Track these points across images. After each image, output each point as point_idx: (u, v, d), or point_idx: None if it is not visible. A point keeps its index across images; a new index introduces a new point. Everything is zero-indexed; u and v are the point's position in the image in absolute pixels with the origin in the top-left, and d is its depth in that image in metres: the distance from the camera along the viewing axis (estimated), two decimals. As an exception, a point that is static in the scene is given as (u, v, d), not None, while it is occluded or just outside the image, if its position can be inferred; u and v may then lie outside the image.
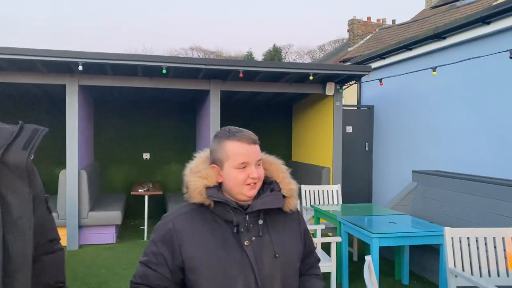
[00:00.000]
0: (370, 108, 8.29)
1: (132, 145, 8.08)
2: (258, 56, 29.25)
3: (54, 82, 5.79)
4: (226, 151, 1.43)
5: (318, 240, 4.18)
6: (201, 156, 1.54)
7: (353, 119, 8.17)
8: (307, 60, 31.91)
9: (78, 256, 5.52)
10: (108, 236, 6.22)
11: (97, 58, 5.33)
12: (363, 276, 2.68)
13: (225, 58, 25.65)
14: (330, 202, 5.96)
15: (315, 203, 5.87)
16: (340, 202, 5.97)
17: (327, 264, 3.92)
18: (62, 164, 6.04)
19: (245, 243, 1.40)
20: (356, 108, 8.47)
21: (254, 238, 1.41)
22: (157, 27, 48.73)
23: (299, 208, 4.59)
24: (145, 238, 6.44)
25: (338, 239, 3.98)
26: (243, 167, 1.42)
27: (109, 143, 7.96)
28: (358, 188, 8.21)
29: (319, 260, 1.70)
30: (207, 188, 1.43)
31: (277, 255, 1.42)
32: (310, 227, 4.71)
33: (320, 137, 7.28)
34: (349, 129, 8.10)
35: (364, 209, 5.26)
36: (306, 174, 7.50)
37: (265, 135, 8.68)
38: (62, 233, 5.88)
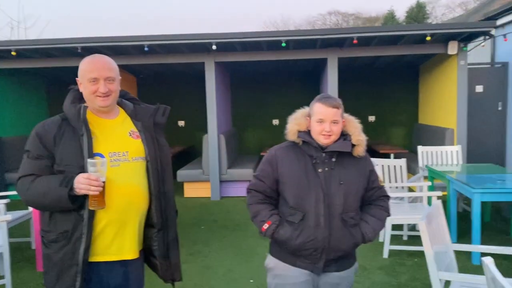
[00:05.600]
0: (504, 65, 7.72)
1: (263, 112, 9.09)
2: (401, 14, 27.60)
3: (195, 61, 6.93)
4: (312, 109, 2.08)
5: (424, 195, 4.51)
6: (302, 111, 2.20)
7: (484, 77, 7.74)
8: (458, 13, 29.01)
9: (219, 205, 6.70)
10: (243, 190, 7.26)
11: (227, 38, 6.24)
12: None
13: (341, 28, 24.95)
14: (450, 163, 5.99)
15: (433, 164, 5.97)
16: (461, 162, 5.96)
17: (428, 217, 4.21)
18: (206, 130, 7.24)
19: (319, 170, 2.03)
20: (488, 65, 7.97)
21: (326, 169, 2.03)
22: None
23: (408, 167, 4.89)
24: (274, 193, 7.32)
25: (438, 193, 4.22)
26: (320, 122, 2.04)
27: (244, 111, 9.09)
28: (488, 150, 7.83)
29: (387, 196, 2.18)
30: (299, 131, 2.09)
31: (341, 182, 2.01)
32: (414, 184, 4.99)
33: (444, 98, 7.16)
34: (479, 88, 7.71)
35: (481, 169, 5.23)
36: (430, 135, 7.49)
37: (389, 98, 8.82)
38: (207, 187, 7.16)
